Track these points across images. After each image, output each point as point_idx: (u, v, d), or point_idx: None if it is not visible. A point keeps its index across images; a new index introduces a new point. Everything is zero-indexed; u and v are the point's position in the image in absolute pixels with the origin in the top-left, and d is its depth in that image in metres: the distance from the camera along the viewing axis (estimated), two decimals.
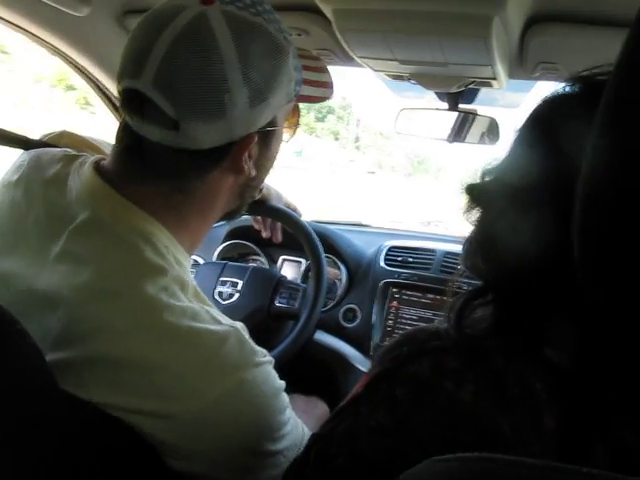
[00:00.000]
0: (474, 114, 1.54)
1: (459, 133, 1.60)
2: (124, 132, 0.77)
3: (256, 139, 0.79)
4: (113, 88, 1.67)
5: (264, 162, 0.86)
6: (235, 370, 0.71)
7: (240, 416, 0.71)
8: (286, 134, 0.91)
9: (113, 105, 1.75)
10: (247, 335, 0.75)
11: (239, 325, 0.75)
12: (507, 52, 1.13)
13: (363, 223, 2.27)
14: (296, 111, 0.91)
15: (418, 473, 0.41)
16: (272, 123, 0.81)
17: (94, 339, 0.67)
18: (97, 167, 0.78)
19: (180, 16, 0.70)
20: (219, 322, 0.74)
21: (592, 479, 0.35)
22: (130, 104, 0.73)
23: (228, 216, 0.92)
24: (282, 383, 0.78)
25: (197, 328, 0.70)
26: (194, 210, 0.81)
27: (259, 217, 1.56)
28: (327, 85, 0.93)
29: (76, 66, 1.57)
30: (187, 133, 0.71)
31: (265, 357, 0.76)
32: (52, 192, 0.78)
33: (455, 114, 1.56)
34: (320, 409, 1.55)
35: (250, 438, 0.73)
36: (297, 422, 0.82)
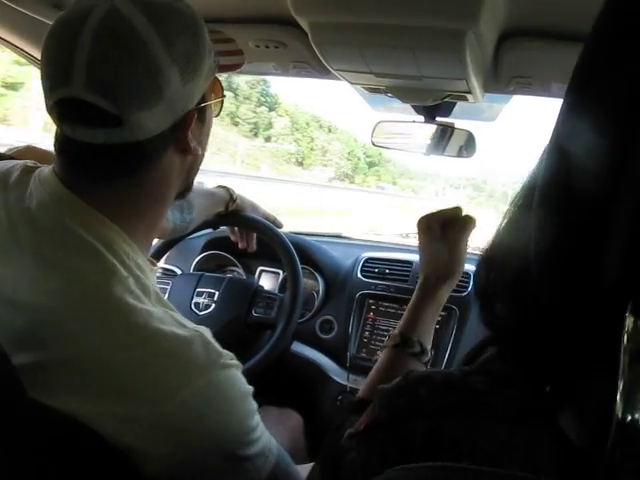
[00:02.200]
0: (451, 127, 1.55)
1: (437, 146, 1.61)
2: (64, 144, 0.76)
3: (196, 116, 0.80)
4: None
5: (203, 138, 0.87)
6: (201, 372, 0.70)
7: (207, 419, 0.70)
8: (215, 108, 0.92)
9: None
10: (212, 338, 0.75)
11: (203, 329, 0.75)
12: (482, 66, 1.15)
13: (342, 235, 2.28)
14: (218, 83, 0.91)
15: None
16: (204, 98, 0.82)
17: (61, 342, 0.67)
18: (56, 174, 0.78)
19: (91, 15, 0.69)
20: (184, 326, 0.74)
21: None
22: (67, 114, 0.73)
23: (179, 196, 0.91)
24: (250, 388, 0.77)
25: (164, 331, 0.70)
26: (150, 201, 0.81)
27: (235, 228, 1.56)
28: (238, 52, 0.96)
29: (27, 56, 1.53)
30: (131, 125, 0.71)
31: (232, 360, 0.75)
32: (12, 197, 0.77)
33: (432, 127, 1.58)
34: (293, 420, 1.55)
35: (218, 442, 0.72)
36: (265, 431, 0.81)
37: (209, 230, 1.85)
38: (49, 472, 0.63)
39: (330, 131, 74.22)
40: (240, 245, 1.57)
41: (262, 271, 1.93)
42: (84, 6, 0.71)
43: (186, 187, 0.91)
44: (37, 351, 0.67)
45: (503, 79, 1.23)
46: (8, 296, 0.70)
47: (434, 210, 1.08)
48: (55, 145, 0.78)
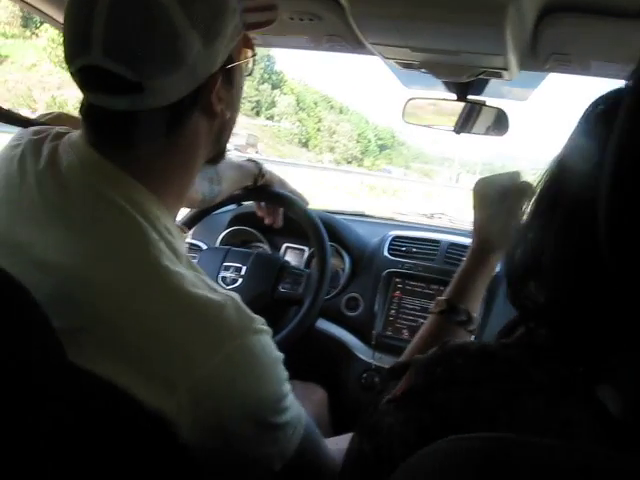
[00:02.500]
0: (482, 105, 1.53)
1: (466, 124, 1.59)
2: (89, 110, 0.76)
3: (220, 78, 0.79)
4: None
5: (233, 101, 0.86)
6: (234, 336, 0.70)
7: (239, 383, 0.70)
8: (246, 67, 0.89)
9: None
10: (243, 304, 0.75)
11: (234, 294, 0.75)
12: (520, 42, 1.12)
13: (366, 214, 2.27)
14: (248, 41, 0.88)
15: (439, 450, 0.40)
16: (230, 59, 0.80)
17: (95, 303, 0.67)
18: (86, 138, 0.78)
19: None
20: (215, 290, 0.74)
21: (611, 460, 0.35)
22: (88, 82, 0.72)
23: (212, 161, 0.91)
24: (281, 354, 0.77)
25: (197, 294, 0.70)
26: (177, 168, 0.81)
27: (262, 203, 1.56)
28: (270, 7, 0.92)
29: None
30: (152, 91, 0.71)
31: (264, 325, 0.75)
32: (42, 162, 0.77)
33: (462, 105, 1.56)
34: (318, 394, 1.56)
35: (250, 407, 0.72)
36: (295, 401, 0.81)
37: (234, 206, 1.86)
38: (86, 438, 0.63)
39: (341, 112, 73.55)
40: (266, 221, 1.57)
41: (287, 247, 1.93)
42: None
43: (218, 152, 0.91)
44: (71, 314, 0.67)
45: (541, 56, 1.20)
46: (39, 258, 0.71)
47: (492, 174, 1.08)
48: (81, 110, 0.78)
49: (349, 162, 63.71)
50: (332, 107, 71.99)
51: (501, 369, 0.52)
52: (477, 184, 1.05)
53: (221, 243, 1.88)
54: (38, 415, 0.57)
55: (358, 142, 70.91)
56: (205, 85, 0.77)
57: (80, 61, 0.71)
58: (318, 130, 65.61)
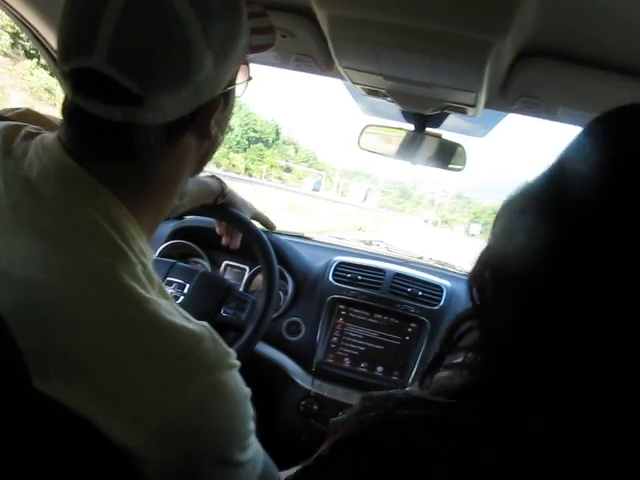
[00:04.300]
0: (441, 138, 1.54)
1: (422, 156, 1.60)
2: (75, 114, 0.69)
3: (221, 101, 0.75)
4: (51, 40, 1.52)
5: (224, 123, 0.83)
6: (210, 371, 0.66)
7: (211, 421, 0.66)
8: (239, 89, 0.85)
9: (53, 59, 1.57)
10: (218, 336, 0.71)
11: (207, 325, 0.71)
12: (494, 81, 1.13)
13: (305, 235, 2.24)
14: (246, 63, 0.84)
15: None
16: (231, 81, 0.77)
17: (62, 325, 0.61)
18: (62, 144, 0.71)
19: None
20: (190, 320, 0.69)
21: None
22: (82, 86, 0.65)
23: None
24: (248, 390, 0.73)
25: (174, 323, 0.65)
26: (160, 186, 0.76)
27: (223, 222, 1.51)
28: (270, 30, 0.90)
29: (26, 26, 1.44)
30: (153, 107, 0.65)
31: (236, 359, 0.71)
32: (11, 164, 0.70)
33: (419, 137, 1.56)
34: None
35: (218, 445, 0.68)
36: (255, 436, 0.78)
37: (175, 218, 1.79)
38: (47, 467, 0.58)
39: None
40: (223, 241, 1.52)
41: (227, 265, 1.88)
42: None
43: (196, 171, 0.86)
44: (35, 334, 0.61)
45: (510, 96, 1.22)
46: (3, 270, 0.64)
47: None
48: (63, 112, 0.71)
49: None
50: None
51: (431, 410, 0.53)
52: None
53: (159, 255, 1.80)
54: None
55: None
56: (205, 107, 0.72)
57: (77, 61, 0.64)
58: None
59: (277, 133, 77.33)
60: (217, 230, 1.48)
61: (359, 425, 0.55)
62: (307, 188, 58.32)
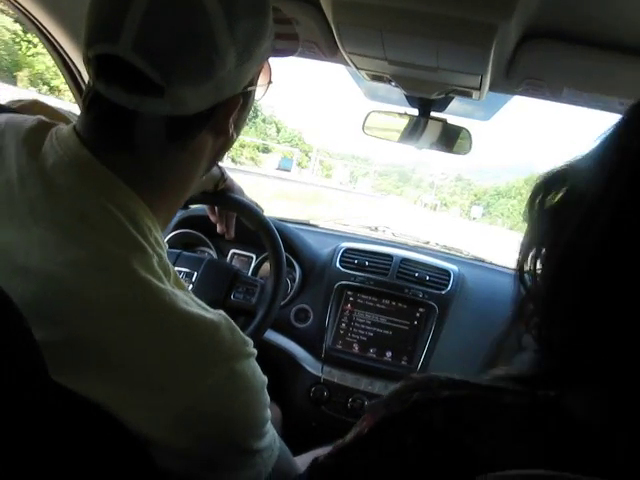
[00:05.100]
0: (445, 123, 1.53)
1: (427, 140, 1.59)
2: (95, 101, 0.69)
3: (241, 100, 0.75)
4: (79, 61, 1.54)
5: (240, 123, 0.83)
6: (227, 359, 0.67)
7: (229, 409, 0.67)
8: (259, 92, 0.86)
9: (77, 85, 1.61)
10: (235, 325, 0.71)
11: (224, 313, 0.71)
12: (499, 64, 1.13)
13: (311, 222, 2.25)
14: (268, 67, 0.86)
15: None
16: (252, 81, 0.77)
17: (81, 317, 0.61)
18: (77, 134, 0.71)
19: None
20: (206, 309, 0.70)
21: None
22: (105, 71, 0.66)
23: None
24: (265, 378, 0.74)
25: (191, 313, 0.65)
26: (175, 181, 0.76)
27: (216, 210, 1.50)
28: (295, 37, 0.90)
29: (33, 22, 1.44)
30: (173, 99, 0.66)
31: (254, 348, 0.72)
32: (24, 155, 0.70)
33: (424, 121, 1.56)
34: (275, 413, 1.51)
35: (236, 433, 0.69)
36: (271, 423, 0.78)
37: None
38: (65, 457, 0.58)
39: None
40: (219, 229, 1.50)
41: (234, 254, 1.88)
42: None
43: (209, 167, 0.86)
44: (52, 326, 0.61)
45: (515, 79, 1.21)
46: (20, 263, 0.64)
47: None
48: (84, 100, 0.71)
49: None
50: None
51: (474, 391, 0.53)
52: None
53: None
54: (16, 433, 0.51)
55: None
56: (225, 104, 0.73)
57: (102, 47, 0.64)
58: None
59: (255, 110, 75.30)
60: (211, 219, 1.47)
61: (403, 404, 0.55)
62: (269, 168, 49.59)
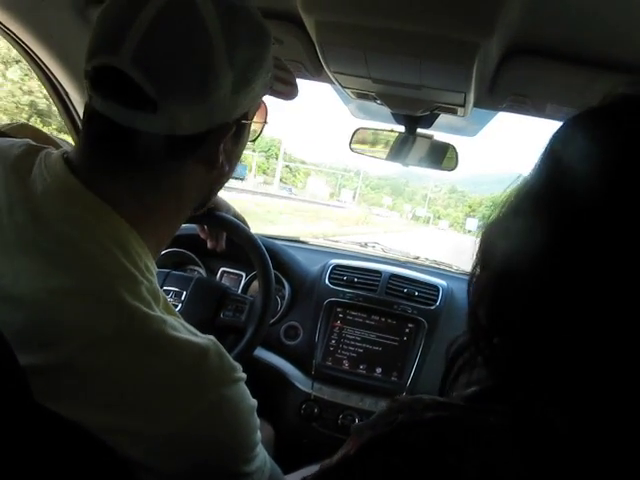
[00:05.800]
0: (432, 139, 1.55)
1: (414, 157, 1.61)
2: (92, 117, 0.70)
3: (233, 129, 0.75)
4: (74, 93, 1.55)
5: (233, 157, 0.82)
6: (215, 385, 0.67)
7: (218, 435, 0.67)
8: (253, 130, 0.87)
9: (71, 119, 1.62)
10: (224, 349, 0.71)
11: (213, 338, 0.71)
12: (482, 81, 1.15)
13: (301, 239, 2.25)
14: (264, 107, 0.87)
15: None
16: (246, 115, 0.78)
17: (68, 344, 0.61)
18: (66, 161, 0.72)
19: None
20: (195, 334, 0.70)
21: None
22: (102, 84, 0.67)
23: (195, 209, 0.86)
24: (255, 402, 0.74)
25: (179, 339, 0.65)
26: (165, 207, 0.76)
27: (205, 226, 1.50)
28: (293, 84, 0.92)
29: (32, 57, 1.45)
30: (166, 116, 0.66)
31: (242, 372, 0.72)
32: (13, 180, 0.70)
33: (410, 138, 1.57)
34: (266, 432, 1.50)
35: (225, 458, 0.69)
36: (261, 445, 0.78)
37: None
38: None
39: None
40: (209, 245, 1.50)
41: (224, 272, 1.88)
42: None
43: (200, 205, 0.86)
44: (40, 353, 0.61)
45: (499, 95, 1.23)
46: (7, 291, 0.64)
47: None
48: (83, 118, 0.73)
49: None
50: None
51: (457, 412, 0.54)
52: None
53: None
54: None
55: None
56: (217, 130, 0.73)
57: (104, 58, 0.66)
58: None
59: None
60: (201, 235, 1.47)
61: (388, 426, 0.55)
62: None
